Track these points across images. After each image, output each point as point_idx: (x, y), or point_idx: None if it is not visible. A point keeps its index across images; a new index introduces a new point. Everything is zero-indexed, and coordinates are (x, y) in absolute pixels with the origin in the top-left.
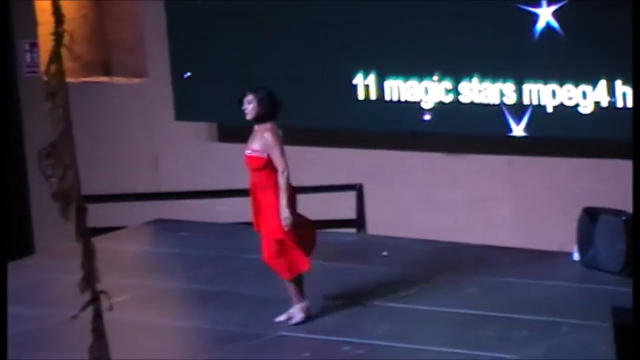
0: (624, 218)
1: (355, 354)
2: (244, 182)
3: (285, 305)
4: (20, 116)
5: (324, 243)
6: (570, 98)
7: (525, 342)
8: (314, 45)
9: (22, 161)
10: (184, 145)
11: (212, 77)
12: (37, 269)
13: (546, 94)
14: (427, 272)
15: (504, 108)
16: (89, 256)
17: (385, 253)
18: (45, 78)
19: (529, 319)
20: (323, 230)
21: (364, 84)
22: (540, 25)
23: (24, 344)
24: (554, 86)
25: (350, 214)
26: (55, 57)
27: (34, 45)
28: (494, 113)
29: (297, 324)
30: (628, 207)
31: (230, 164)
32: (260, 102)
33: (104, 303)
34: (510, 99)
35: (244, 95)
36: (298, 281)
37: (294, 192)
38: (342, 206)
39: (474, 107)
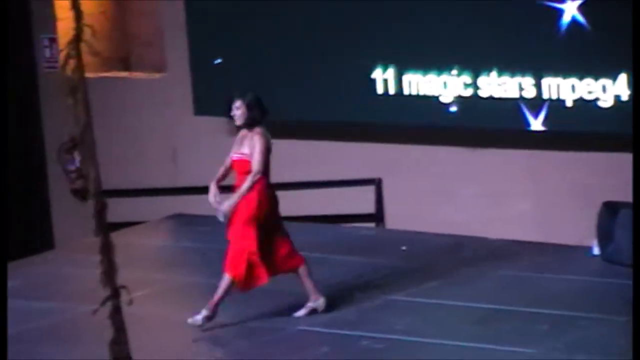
0: None
1: (374, 348)
2: None
3: (304, 300)
4: (40, 111)
5: (344, 237)
6: (590, 92)
7: (544, 337)
8: (333, 39)
9: (41, 156)
10: (203, 139)
11: (231, 71)
12: (57, 263)
13: (566, 88)
14: (446, 266)
15: (522, 102)
16: (108, 251)
17: (404, 247)
18: (65, 73)
19: (549, 313)
20: (342, 225)
21: (383, 78)
22: (565, 19)
23: (45, 338)
24: (573, 80)
25: (369, 208)
26: (75, 52)
27: (53, 40)
28: (513, 107)
29: (192, 323)
30: None
31: None
32: (248, 107)
33: (124, 298)
34: (529, 93)
35: (231, 100)
36: (229, 288)
37: (275, 198)
38: (361, 200)
39: (493, 101)
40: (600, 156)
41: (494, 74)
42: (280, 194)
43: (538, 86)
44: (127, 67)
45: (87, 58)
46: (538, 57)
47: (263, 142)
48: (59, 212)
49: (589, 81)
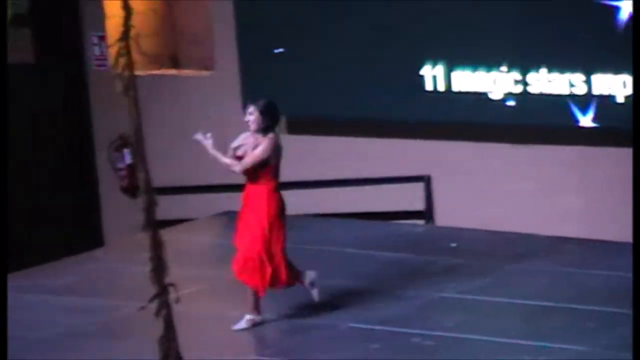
0: None
1: (424, 345)
2: (311, 174)
3: (352, 296)
4: (90, 109)
5: (393, 234)
6: None
7: (593, 333)
8: (382, 36)
9: (91, 153)
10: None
11: (280, 69)
12: (107, 260)
13: (617, 85)
14: (496, 263)
15: (570, 99)
16: (157, 248)
17: (454, 244)
18: (117, 72)
19: (598, 310)
20: (392, 222)
21: (432, 74)
22: (622, 16)
23: (96, 334)
24: (625, 77)
25: (419, 205)
26: (125, 50)
27: (102, 38)
28: (562, 104)
29: (238, 329)
30: None
31: (298, 156)
32: (261, 113)
33: (173, 295)
34: (579, 89)
35: (245, 107)
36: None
37: (282, 203)
38: (411, 198)
39: (543, 98)
40: None
41: (543, 70)
42: (332, 190)
43: (588, 83)
44: (176, 64)
45: (136, 56)
46: (588, 53)
47: (267, 147)
48: (108, 209)
49: None
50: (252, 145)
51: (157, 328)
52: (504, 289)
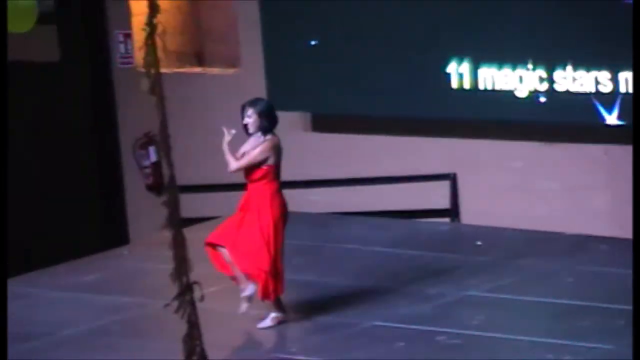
0: None
1: (450, 343)
2: (337, 172)
3: (377, 295)
4: (115, 106)
5: (418, 233)
6: None
7: (621, 332)
8: (408, 32)
9: (117, 151)
10: (278, 135)
11: (305, 67)
12: (132, 258)
13: None
14: (522, 261)
15: (595, 97)
16: (180, 246)
17: (479, 242)
18: (142, 70)
19: (626, 309)
20: (417, 220)
21: (458, 72)
22: None
23: (121, 331)
24: None
25: (444, 203)
26: (150, 48)
27: (128, 36)
28: (588, 102)
29: (263, 328)
30: None
31: (324, 153)
32: (260, 116)
33: (197, 293)
34: (605, 87)
35: (243, 108)
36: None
37: (285, 205)
38: (436, 195)
39: (569, 96)
40: None
41: (569, 68)
42: (357, 189)
43: (614, 80)
44: (201, 62)
45: (161, 54)
46: (614, 51)
47: (264, 149)
48: (134, 207)
49: None
50: (253, 147)
51: (182, 326)
52: (529, 287)
